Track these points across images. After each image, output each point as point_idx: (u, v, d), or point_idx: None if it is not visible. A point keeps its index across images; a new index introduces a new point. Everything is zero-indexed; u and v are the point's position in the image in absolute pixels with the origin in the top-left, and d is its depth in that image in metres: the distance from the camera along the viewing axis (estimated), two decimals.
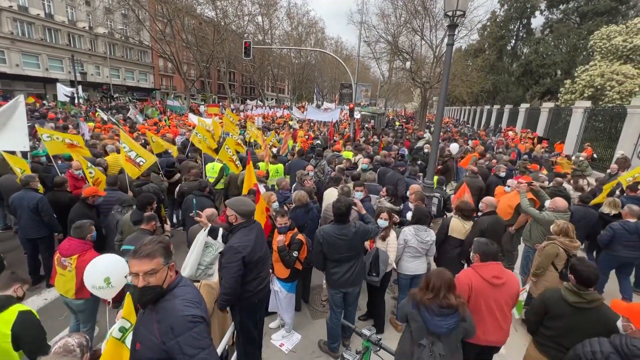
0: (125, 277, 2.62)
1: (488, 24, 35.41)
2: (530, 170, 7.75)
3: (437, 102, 6.18)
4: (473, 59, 28.50)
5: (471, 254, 2.92)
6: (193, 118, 14.68)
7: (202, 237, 3.10)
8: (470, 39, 25.86)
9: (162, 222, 4.66)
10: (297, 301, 4.18)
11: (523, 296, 3.96)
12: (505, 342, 2.92)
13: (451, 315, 2.28)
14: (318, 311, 4.52)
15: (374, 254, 3.66)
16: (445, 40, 5.64)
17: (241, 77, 52.23)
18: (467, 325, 2.40)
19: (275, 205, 4.31)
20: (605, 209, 5.26)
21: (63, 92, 19.93)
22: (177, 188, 6.01)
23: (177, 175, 6.83)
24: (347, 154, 8.84)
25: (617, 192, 6.43)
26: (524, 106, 23.17)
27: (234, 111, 28.90)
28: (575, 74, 20.64)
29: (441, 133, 9.54)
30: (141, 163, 5.77)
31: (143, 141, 8.21)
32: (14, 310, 2.25)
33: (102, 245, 4.34)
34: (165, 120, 16.52)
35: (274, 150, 8.62)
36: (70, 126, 11.12)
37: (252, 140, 10.87)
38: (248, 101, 45.63)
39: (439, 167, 8.48)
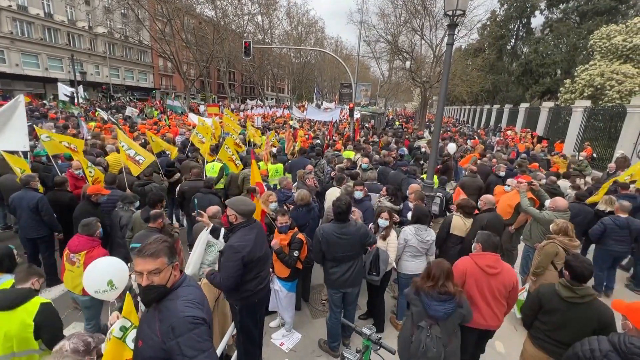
0: (130, 276, 2.62)
1: (488, 23, 35.43)
2: (531, 170, 7.76)
3: (437, 101, 6.18)
4: (473, 59, 28.50)
5: (473, 244, 3.11)
6: (193, 118, 14.68)
7: (204, 236, 3.11)
8: (470, 38, 25.84)
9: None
10: (297, 300, 4.19)
11: (523, 295, 3.97)
12: (498, 327, 3.09)
13: (448, 301, 2.51)
14: (318, 310, 4.53)
15: (374, 254, 3.67)
16: (445, 39, 5.64)
17: (241, 76, 52.20)
18: (463, 310, 2.60)
19: (273, 206, 4.30)
20: (601, 207, 5.35)
21: (63, 91, 19.92)
22: (178, 188, 6.02)
23: (177, 175, 6.83)
24: (348, 153, 8.84)
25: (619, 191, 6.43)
26: (523, 106, 23.17)
27: (234, 111, 28.90)
28: (575, 74, 20.64)
29: (441, 133, 9.57)
30: (140, 161, 5.81)
31: (143, 141, 8.21)
32: (36, 302, 2.37)
33: (106, 242, 4.40)
34: (165, 120, 16.50)
35: (274, 150, 8.61)
36: (69, 126, 11.12)
37: (251, 140, 10.87)
38: (248, 101, 45.60)
39: (438, 166, 8.49)
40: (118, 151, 6.48)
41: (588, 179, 8.54)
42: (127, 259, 3.40)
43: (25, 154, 6.06)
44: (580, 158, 10.73)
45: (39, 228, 4.57)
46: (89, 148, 7.67)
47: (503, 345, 3.98)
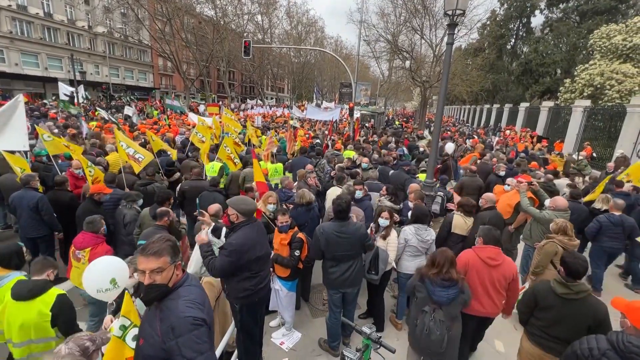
0: (133, 275, 2.63)
1: (488, 22, 35.43)
2: (531, 169, 7.78)
3: (436, 101, 6.18)
4: (473, 58, 28.51)
5: (476, 238, 3.27)
6: (193, 117, 14.67)
7: (203, 234, 3.11)
8: (470, 38, 25.85)
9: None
10: (297, 300, 4.19)
11: None
12: (497, 314, 3.28)
13: (451, 287, 2.71)
14: (318, 310, 4.54)
15: (373, 253, 3.67)
16: (445, 39, 5.64)
17: (241, 76, 52.16)
18: (465, 296, 2.80)
19: (271, 207, 4.29)
20: (597, 205, 5.44)
21: (64, 91, 19.90)
22: (178, 187, 6.02)
23: (177, 175, 6.83)
24: (348, 153, 8.84)
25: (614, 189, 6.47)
26: (523, 105, 23.17)
27: (234, 110, 28.88)
28: (575, 73, 20.65)
29: (442, 132, 9.56)
30: (140, 159, 5.87)
31: (143, 140, 8.21)
32: (53, 293, 2.49)
33: (110, 240, 4.39)
34: (165, 120, 16.49)
35: (273, 149, 8.59)
36: (69, 125, 11.12)
37: (250, 140, 10.85)
38: (248, 100, 45.56)
39: (438, 166, 8.49)
40: (117, 151, 6.49)
41: (586, 178, 8.56)
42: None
43: (25, 153, 6.07)
44: (580, 158, 10.73)
45: (39, 227, 4.57)
46: (88, 147, 7.68)
47: (503, 344, 3.99)
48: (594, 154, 12.42)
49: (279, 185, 5.67)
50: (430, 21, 21.45)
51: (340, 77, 42.93)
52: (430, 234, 3.89)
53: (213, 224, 3.11)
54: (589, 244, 5.41)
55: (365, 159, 7.25)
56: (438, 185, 6.00)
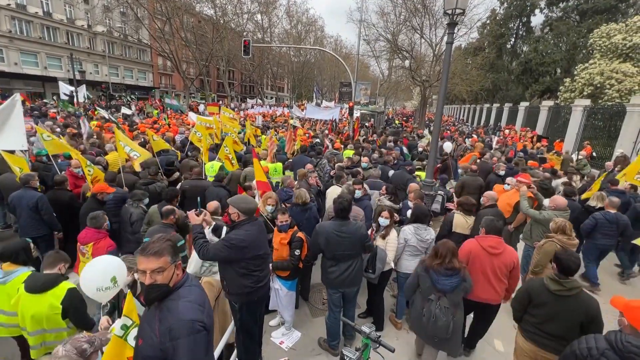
0: (133, 274, 2.63)
1: (488, 22, 35.40)
2: (531, 168, 7.80)
3: (436, 100, 6.19)
4: (473, 57, 28.44)
5: (480, 228, 3.42)
6: (193, 117, 14.64)
7: (206, 235, 3.11)
8: (470, 37, 25.81)
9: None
10: (296, 299, 4.19)
11: None
12: (496, 301, 3.39)
13: (454, 276, 2.92)
14: (318, 309, 4.54)
15: (372, 252, 3.67)
16: (445, 38, 5.64)
17: (240, 75, 52.11)
18: (467, 284, 3.01)
19: (270, 208, 4.28)
20: (592, 202, 5.53)
21: (64, 91, 19.90)
22: (178, 187, 6.02)
23: (177, 174, 6.83)
24: (348, 152, 8.83)
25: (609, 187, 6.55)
26: (523, 104, 23.16)
27: (235, 110, 28.85)
28: (575, 72, 20.63)
29: (442, 131, 9.55)
30: (135, 157, 5.96)
31: (142, 140, 8.20)
32: (64, 287, 2.58)
33: (115, 238, 4.40)
34: (164, 119, 16.47)
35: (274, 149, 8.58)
36: (70, 124, 11.11)
37: (249, 140, 10.85)
38: (248, 100, 45.53)
39: (438, 165, 8.49)
40: (117, 150, 6.50)
41: (585, 177, 8.58)
42: None
43: (26, 153, 6.07)
44: (580, 157, 10.73)
45: (38, 227, 4.56)
46: (88, 147, 7.67)
47: (502, 343, 3.99)
48: (594, 154, 12.41)
49: (280, 185, 5.67)
50: (430, 20, 21.42)
51: (340, 76, 42.90)
52: (429, 233, 3.89)
53: (214, 222, 3.11)
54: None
55: (365, 159, 7.25)
56: (438, 184, 6.01)
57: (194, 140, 8.20)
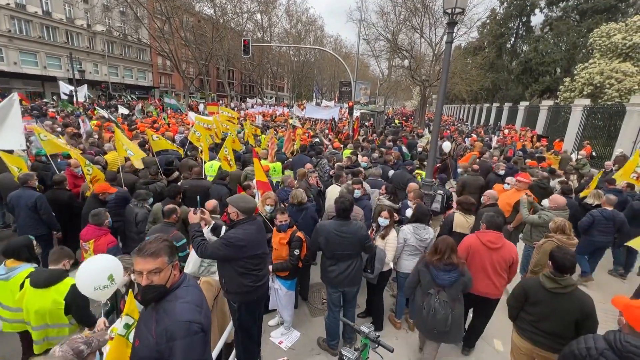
0: (129, 275, 2.62)
1: (487, 21, 35.38)
2: (530, 167, 7.81)
3: (436, 100, 6.18)
4: (472, 57, 28.47)
5: (480, 224, 3.51)
6: (192, 116, 14.62)
7: (205, 234, 3.10)
8: (470, 36, 25.80)
9: None
10: (296, 299, 4.18)
11: None
12: (495, 295, 3.47)
13: (453, 271, 3.04)
14: (317, 309, 4.53)
15: (371, 252, 3.66)
16: (445, 37, 5.63)
17: (240, 75, 52.08)
18: (465, 279, 3.11)
19: (269, 208, 4.29)
20: (589, 200, 5.64)
21: (64, 90, 19.90)
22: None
23: (176, 174, 6.82)
24: (348, 152, 8.82)
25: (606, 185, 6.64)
26: (523, 104, 23.15)
27: (234, 109, 28.81)
28: (575, 72, 20.62)
29: (442, 131, 9.55)
30: (130, 155, 6.01)
31: (141, 139, 8.18)
32: (67, 283, 2.64)
33: (120, 237, 4.54)
34: (164, 118, 16.46)
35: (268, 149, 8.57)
36: (69, 124, 11.09)
37: (247, 140, 10.84)
38: (247, 99, 45.51)
39: (437, 165, 8.50)
40: (116, 150, 6.49)
41: (585, 178, 8.60)
42: None
43: (25, 152, 6.06)
44: (580, 157, 10.74)
45: (37, 227, 4.54)
46: (87, 147, 7.66)
47: (502, 343, 3.99)
48: (594, 153, 12.41)
49: (280, 184, 5.67)
50: (430, 20, 21.41)
51: (339, 76, 42.87)
52: (428, 232, 3.89)
53: (213, 222, 3.10)
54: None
55: (365, 158, 7.24)
56: (437, 183, 6.02)
57: (193, 139, 8.19)
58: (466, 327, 3.79)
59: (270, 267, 3.54)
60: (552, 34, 30.84)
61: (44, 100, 24.64)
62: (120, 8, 30.78)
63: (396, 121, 26.99)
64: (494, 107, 29.29)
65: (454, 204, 5.35)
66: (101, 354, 2.03)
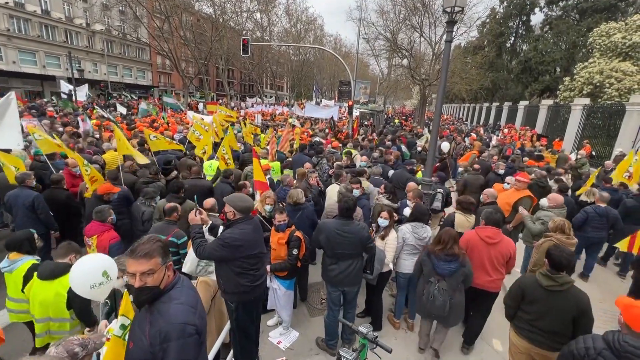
0: (122, 277, 2.60)
1: (487, 20, 35.35)
2: (528, 166, 7.83)
3: (436, 99, 6.18)
4: (472, 56, 28.38)
5: (480, 220, 3.63)
6: (191, 115, 14.59)
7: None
8: (470, 36, 25.84)
9: None
10: (294, 298, 4.17)
11: None
12: (493, 289, 3.55)
13: (453, 262, 3.17)
14: (316, 309, 4.52)
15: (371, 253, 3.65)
16: (444, 37, 5.62)
17: (240, 74, 51.96)
18: (466, 270, 3.22)
19: (268, 208, 4.27)
20: (584, 198, 5.81)
21: (64, 89, 19.87)
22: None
23: (174, 173, 6.80)
24: (352, 151, 8.80)
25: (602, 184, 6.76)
26: (523, 103, 23.15)
27: (234, 108, 28.77)
28: (575, 71, 20.62)
29: (442, 130, 9.53)
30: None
31: (140, 138, 8.16)
32: None
33: (126, 234, 4.52)
34: (163, 118, 16.43)
35: (269, 148, 8.57)
36: (69, 123, 11.07)
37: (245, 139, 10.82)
38: (247, 98, 45.46)
39: (436, 164, 8.49)
40: (115, 149, 6.47)
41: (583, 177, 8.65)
42: None
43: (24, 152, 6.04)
44: (579, 156, 10.75)
45: (35, 226, 4.44)
46: (85, 146, 7.64)
47: (501, 343, 3.99)
48: (593, 152, 12.41)
49: (281, 184, 5.67)
50: (430, 19, 21.38)
51: (339, 75, 42.84)
52: (426, 231, 3.89)
53: (210, 221, 3.09)
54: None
55: (364, 157, 7.23)
56: (436, 182, 6.04)
57: (192, 139, 8.17)
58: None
59: (268, 267, 3.53)
60: (551, 33, 30.82)
61: (44, 99, 24.58)
62: (120, 7, 30.65)
63: (395, 120, 26.98)
64: (493, 106, 29.28)
65: (453, 203, 5.37)
66: (98, 355, 2.01)
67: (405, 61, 22.56)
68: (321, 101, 33.30)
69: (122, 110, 18.35)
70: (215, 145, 8.50)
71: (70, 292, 2.59)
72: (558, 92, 22.08)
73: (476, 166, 7.28)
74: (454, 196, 6.71)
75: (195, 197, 4.49)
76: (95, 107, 18.39)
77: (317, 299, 4.73)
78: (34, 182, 4.78)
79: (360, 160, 7.14)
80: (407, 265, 3.91)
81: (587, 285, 5.27)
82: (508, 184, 5.85)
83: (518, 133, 18.22)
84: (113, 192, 4.64)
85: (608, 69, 17.84)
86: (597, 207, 5.20)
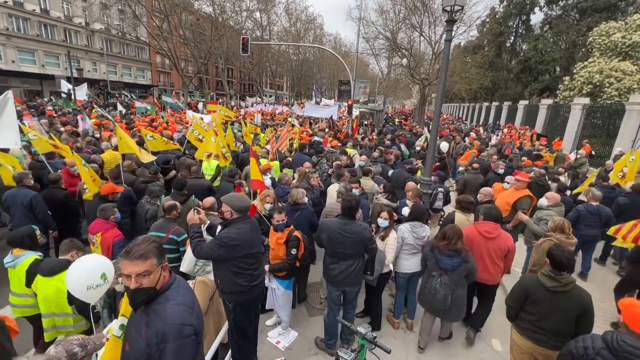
0: (117, 279, 2.59)
1: (487, 20, 35.34)
2: (526, 165, 7.86)
3: (435, 98, 6.17)
4: (472, 56, 28.35)
5: (479, 216, 3.75)
6: (190, 115, 14.57)
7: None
8: (469, 35, 25.82)
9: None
10: (293, 298, 4.16)
11: None
12: (492, 282, 3.70)
13: (455, 257, 3.25)
14: (315, 309, 4.51)
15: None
16: (444, 36, 5.61)
17: (239, 73, 51.89)
18: (469, 266, 3.29)
19: (268, 206, 4.26)
20: (582, 197, 5.88)
21: (64, 89, 19.85)
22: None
23: (173, 172, 6.79)
24: (348, 150, 8.79)
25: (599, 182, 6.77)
26: (522, 103, 23.12)
27: (234, 108, 28.72)
28: (574, 71, 20.60)
29: (441, 129, 9.52)
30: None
31: (138, 138, 8.14)
32: None
33: (128, 233, 4.52)
34: (162, 117, 16.40)
35: (268, 147, 8.56)
36: (68, 122, 11.04)
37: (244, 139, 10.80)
38: (247, 98, 45.40)
39: (436, 164, 8.49)
40: (114, 148, 6.47)
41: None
42: None
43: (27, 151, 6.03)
44: (579, 155, 10.75)
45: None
46: (84, 145, 7.62)
47: (500, 342, 3.98)
48: (593, 152, 12.40)
49: (279, 182, 5.68)
50: (430, 18, 21.36)
51: (339, 74, 42.78)
52: (425, 230, 3.88)
53: (209, 221, 3.08)
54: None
55: (364, 157, 7.22)
56: (436, 181, 6.04)
57: (191, 138, 8.16)
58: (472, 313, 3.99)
59: (266, 267, 3.52)
60: (551, 32, 30.79)
61: (45, 99, 24.54)
62: (119, 6, 30.59)
63: (395, 120, 26.96)
64: (493, 106, 29.25)
65: (452, 202, 5.37)
66: (97, 356, 2.00)
67: (404, 60, 22.52)
68: (321, 100, 33.26)
69: (122, 109, 18.33)
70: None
71: None
72: (558, 91, 22.06)
73: (475, 165, 7.30)
74: (453, 195, 6.71)
75: (192, 196, 4.52)
76: (95, 106, 18.34)
77: (316, 299, 4.72)
78: (32, 182, 4.76)
79: (359, 160, 7.12)
80: (406, 265, 3.90)
81: (587, 284, 5.26)
82: (508, 183, 5.84)
83: (518, 132, 18.22)
84: (117, 191, 4.66)
85: (608, 68, 17.82)
86: (588, 205, 5.26)
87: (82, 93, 20.83)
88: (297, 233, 3.64)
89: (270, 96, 52.96)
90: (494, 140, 15.10)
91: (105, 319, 3.11)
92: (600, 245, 6.21)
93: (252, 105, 31.97)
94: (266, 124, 17.90)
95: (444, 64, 5.65)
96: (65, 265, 2.74)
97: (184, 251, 3.54)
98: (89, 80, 31.57)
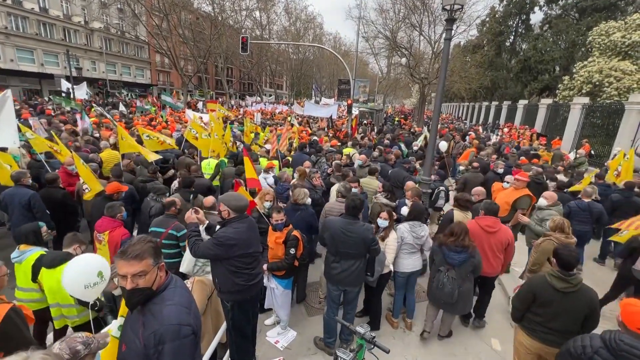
0: (113, 279, 2.59)
1: (487, 19, 35.33)
2: (522, 164, 7.89)
3: (435, 98, 6.17)
4: (472, 55, 28.35)
5: (480, 211, 3.91)
6: (190, 114, 14.54)
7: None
8: (469, 34, 25.86)
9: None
10: (292, 298, 4.15)
11: None
12: (494, 275, 3.92)
13: (462, 252, 3.37)
14: (314, 308, 4.50)
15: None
16: (444, 35, 5.60)
17: (239, 72, 51.82)
18: (475, 261, 3.43)
19: (267, 205, 4.25)
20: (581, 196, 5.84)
21: (64, 88, 19.81)
22: (173, 184, 5.98)
23: (171, 172, 6.78)
24: (348, 150, 8.79)
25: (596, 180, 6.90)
26: (522, 102, 23.12)
27: (233, 107, 28.68)
28: (574, 70, 20.60)
29: (441, 129, 9.52)
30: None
31: (137, 137, 8.12)
32: None
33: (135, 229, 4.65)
34: (162, 116, 16.37)
35: (267, 147, 8.56)
36: (67, 121, 11.02)
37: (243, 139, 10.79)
38: (247, 97, 45.34)
39: (435, 163, 8.49)
40: (114, 148, 6.45)
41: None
42: None
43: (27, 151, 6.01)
44: (578, 155, 10.76)
45: None
46: (83, 144, 7.59)
47: (499, 342, 3.98)
48: (592, 151, 12.41)
49: (279, 180, 5.69)
50: (429, 17, 21.37)
51: (339, 73, 42.72)
52: (424, 229, 3.89)
53: (207, 221, 3.07)
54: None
55: (363, 156, 7.21)
56: (436, 180, 6.03)
57: (189, 137, 8.14)
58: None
59: (265, 266, 3.51)
60: (551, 32, 30.78)
61: (45, 98, 24.47)
62: (118, 5, 30.50)
63: (395, 119, 26.95)
64: (493, 105, 29.25)
65: (451, 200, 5.38)
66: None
67: (404, 60, 22.52)
68: (320, 100, 33.23)
69: (123, 108, 18.28)
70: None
71: None
72: (557, 91, 22.06)
73: (476, 164, 7.30)
74: (452, 194, 6.71)
75: (198, 195, 4.52)
76: (94, 105, 18.30)
77: (315, 298, 4.71)
78: (30, 181, 4.74)
79: (358, 159, 7.11)
80: (405, 264, 3.89)
81: (587, 284, 5.27)
82: (507, 182, 5.83)
83: (517, 132, 18.21)
84: (122, 190, 4.68)
85: (607, 68, 17.81)
86: (580, 202, 5.35)
87: (82, 92, 20.79)
88: (296, 232, 3.63)
89: (270, 95, 52.91)
90: (493, 139, 15.10)
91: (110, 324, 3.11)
92: (599, 245, 6.23)
93: (251, 105, 31.92)
94: (266, 123, 17.88)
95: (443, 63, 5.65)
96: (66, 257, 2.83)
97: (184, 246, 3.57)
98: (88, 79, 31.43)
